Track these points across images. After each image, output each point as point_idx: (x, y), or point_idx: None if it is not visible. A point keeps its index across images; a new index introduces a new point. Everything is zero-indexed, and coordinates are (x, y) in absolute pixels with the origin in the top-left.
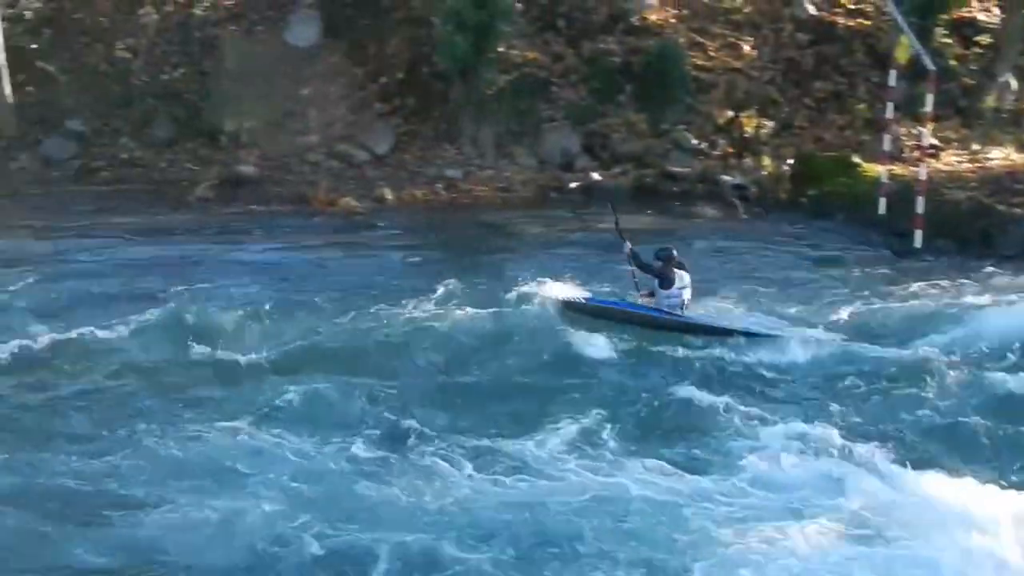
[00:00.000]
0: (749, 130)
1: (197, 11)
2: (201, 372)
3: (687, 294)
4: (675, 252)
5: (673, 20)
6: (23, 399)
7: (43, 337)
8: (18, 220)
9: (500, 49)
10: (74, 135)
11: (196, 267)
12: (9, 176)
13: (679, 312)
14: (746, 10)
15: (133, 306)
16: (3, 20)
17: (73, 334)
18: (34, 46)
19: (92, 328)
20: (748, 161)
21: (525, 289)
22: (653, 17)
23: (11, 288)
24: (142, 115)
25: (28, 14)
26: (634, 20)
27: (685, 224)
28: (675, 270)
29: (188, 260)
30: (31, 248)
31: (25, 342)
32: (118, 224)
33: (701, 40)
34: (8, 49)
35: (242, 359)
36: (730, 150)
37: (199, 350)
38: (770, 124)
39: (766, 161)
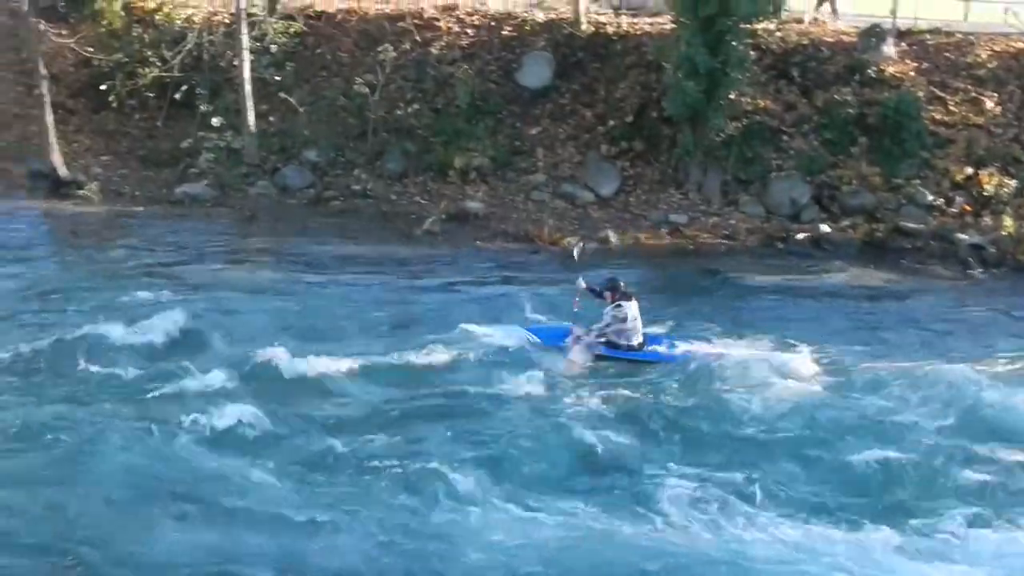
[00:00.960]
0: (989, 188)
1: (433, 50)
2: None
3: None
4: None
5: (912, 73)
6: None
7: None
8: (257, 243)
9: (731, 96)
10: (310, 165)
11: (427, 297)
12: (249, 200)
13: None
14: (991, 65)
15: (375, 337)
16: (251, 53)
17: (339, 359)
18: (278, 78)
19: (362, 353)
20: (987, 220)
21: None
22: (891, 69)
23: (256, 308)
24: (375, 148)
25: (274, 48)
26: (871, 72)
27: (915, 282)
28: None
29: (419, 289)
30: (267, 272)
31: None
32: (349, 253)
33: (941, 94)
34: (254, 81)
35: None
36: (967, 208)
37: (446, 381)
38: (1012, 183)
39: (1007, 221)
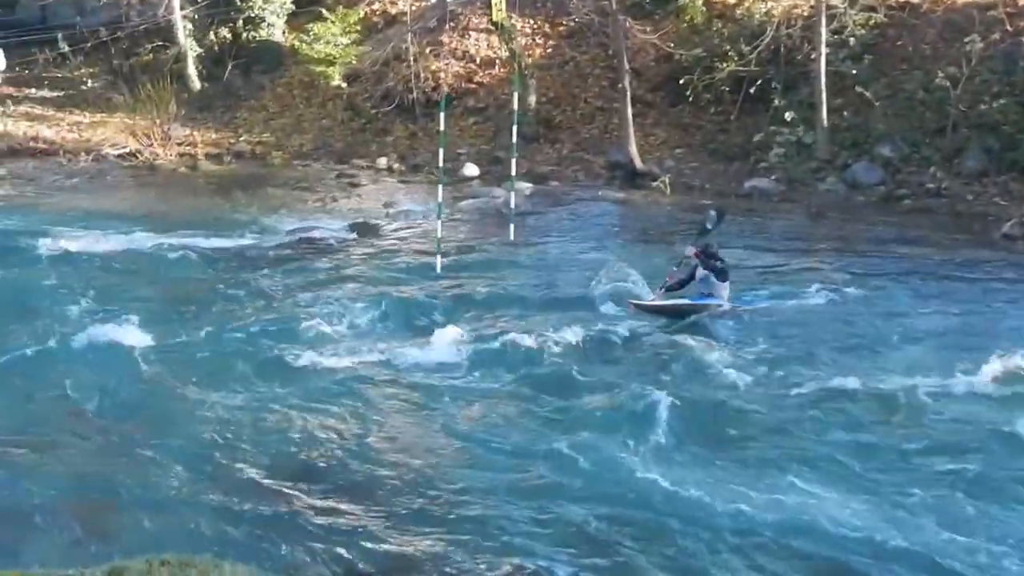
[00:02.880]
0: None
1: None
2: None
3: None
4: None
5: None
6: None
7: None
8: (822, 241)
9: None
10: (882, 161)
11: (1003, 309)
12: (817, 196)
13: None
14: None
15: (936, 352)
16: (828, 46)
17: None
18: (854, 71)
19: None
20: None
21: None
22: None
23: (814, 309)
24: (954, 145)
25: (852, 40)
26: None
27: None
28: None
29: (994, 299)
30: (826, 272)
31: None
32: (915, 254)
33: None
34: (829, 74)
35: None
36: None
37: None
38: None
39: None
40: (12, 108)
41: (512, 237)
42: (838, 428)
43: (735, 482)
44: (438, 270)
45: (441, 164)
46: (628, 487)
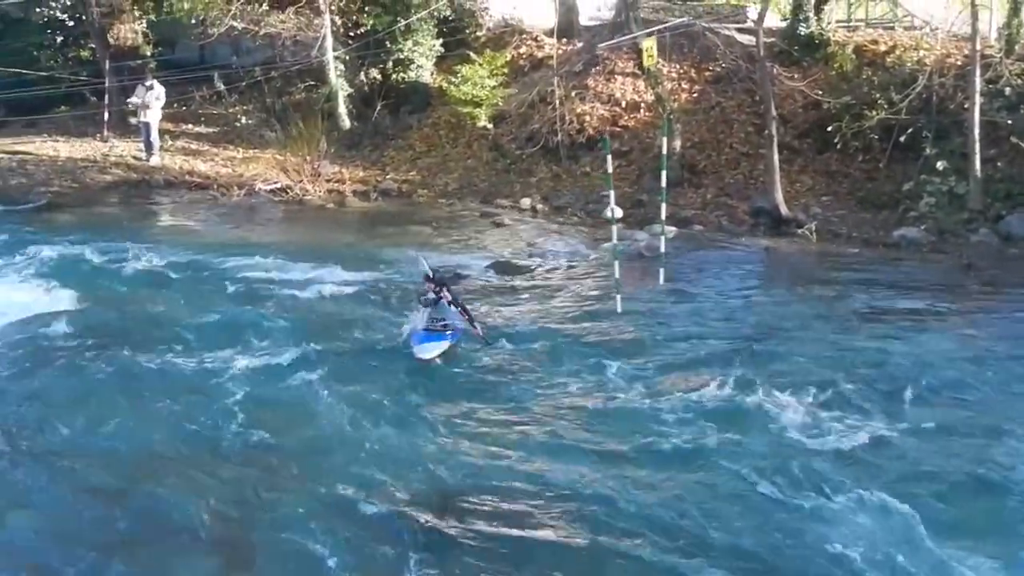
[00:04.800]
0: None
1: None
2: None
3: None
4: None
5: None
6: None
7: None
8: (970, 294)
9: None
10: None
11: None
12: (968, 248)
13: None
14: None
15: None
16: (981, 96)
17: None
18: (1009, 122)
19: None
20: None
21: None
22: None
23: (960, 358)
24: None
25: (1007, 90)
26: None
27: None
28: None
29: None
30: (975, 329)
31: None
32: None
33: None
34: (983, 124)
35: None
36: None
37: None
38: None
39: None
40: (170, 143)
41: (662, 281)
42: None
43: None
44: (618, 310)
45: (612, 204)
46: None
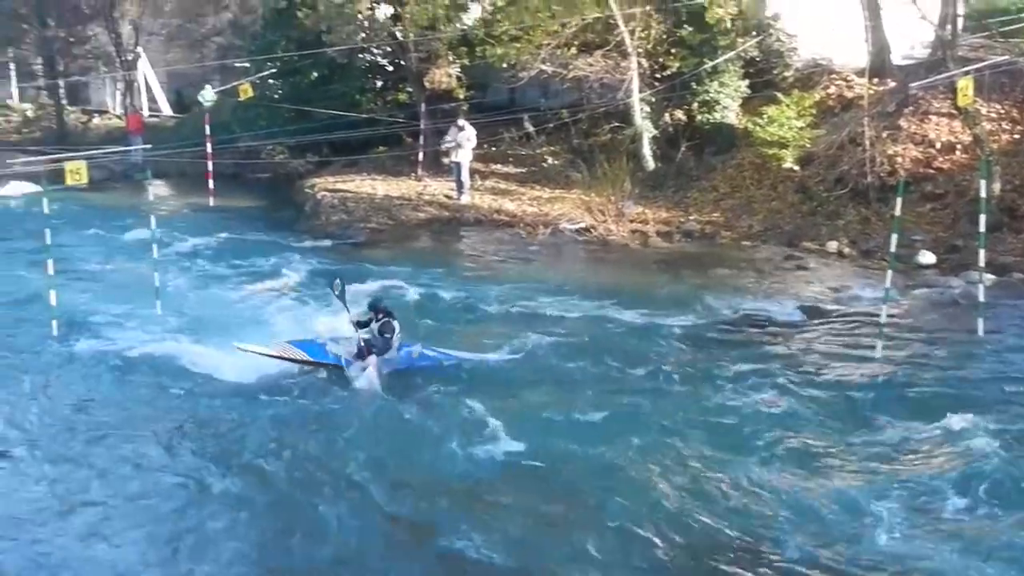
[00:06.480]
0: None
1: None
2: None
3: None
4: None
5: None
6: None
7: None
8: None
9: None
10: None
11: None
12: None
13: None
14: None
15: None
16: None
17: None
18: None
19: None
20: None
21: None
22: None
23: None
24: None
25: None
26: None
27: None
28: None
29: None
30: None
31: None
32: None
33: None
34: None
35: None
36: None
37: None
38: None
39: None
40: (480, 182)
41: (981, 332)
42: None
43: None
44: (878, 355)
45: (893, 248)
46: None
